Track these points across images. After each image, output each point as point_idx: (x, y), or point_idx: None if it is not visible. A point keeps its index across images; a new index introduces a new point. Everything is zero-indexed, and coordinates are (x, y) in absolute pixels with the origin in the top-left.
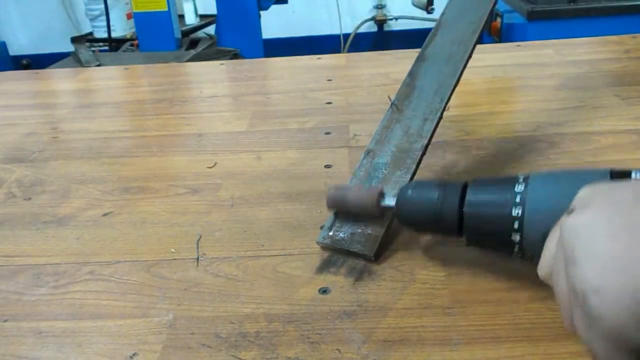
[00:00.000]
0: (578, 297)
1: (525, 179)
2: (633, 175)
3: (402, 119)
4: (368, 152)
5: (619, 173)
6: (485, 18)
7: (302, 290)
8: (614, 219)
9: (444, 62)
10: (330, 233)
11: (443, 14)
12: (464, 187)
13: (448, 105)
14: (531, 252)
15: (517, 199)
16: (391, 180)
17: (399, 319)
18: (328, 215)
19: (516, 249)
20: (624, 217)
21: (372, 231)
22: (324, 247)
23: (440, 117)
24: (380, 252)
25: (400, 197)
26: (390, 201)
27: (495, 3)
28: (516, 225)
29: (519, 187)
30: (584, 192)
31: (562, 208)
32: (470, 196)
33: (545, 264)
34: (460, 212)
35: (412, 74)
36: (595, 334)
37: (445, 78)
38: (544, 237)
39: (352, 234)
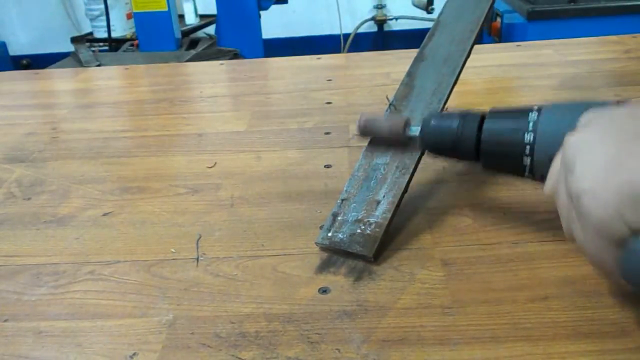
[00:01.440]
0: (574, 201)
1: (539, 109)
2: None
3: None
4: (367, 153)
5: (624, 103)
6: (483, 17)
7: (302, 290)
8: (608, 133)
9: (442, 62)
10: (330, 234)
11: (441, 13)
12: (482, 117)
13: (447, 105)
14: (540, 174)
15: (530, 126)
16: (390, 180)
17: (398, 318)
18: (327, 216)
19: (527, 171)
20: (616, 131)
21: (371, 232)
22: (323, 248)
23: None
24: (380, 252)
25: (424, 125)
26: (414, 129)
27: (493, 2)
28: (527, 150)
29: (532, 115)
30: (586, 115)
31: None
32: (487, 124)
33: (550, 181)
34: (477, 139)
35: (410, 74)
36: (587, 230)
37: (443, 78)
38: (552, 160)
39: (351, 234)
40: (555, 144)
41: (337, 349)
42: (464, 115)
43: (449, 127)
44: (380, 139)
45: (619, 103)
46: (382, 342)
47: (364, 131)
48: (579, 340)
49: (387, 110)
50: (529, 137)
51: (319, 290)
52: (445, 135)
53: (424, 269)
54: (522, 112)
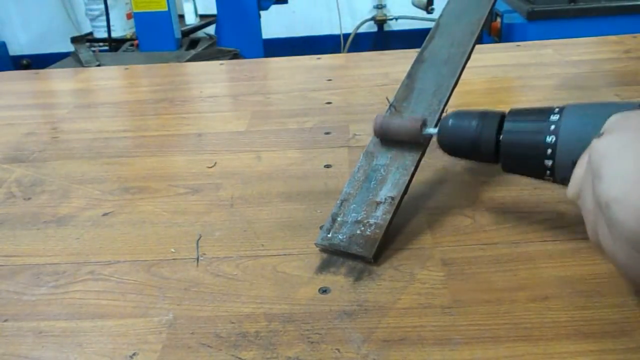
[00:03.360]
0: (602, 209)
1: (560, 110)
2: None
3: None
4: (367, 154)
5: None
6: (483, 20)
7: (302, 290)
8: (637, 138)
9: (442, 64)
10: (329, 235)
11: (441, 15)
12: (502, 117)
13: (447, 107)
14: (561, 177)
15: (551, 128)
16: (389, 182)
17: (398, 318)
18: (327, 216)
19: (547, 173)
20: None
21: (371, 233)
22: (323, 249)
23: (439, 119)
24: (380, 252)
25: (442, 126)
26: (432, 129)
27: (494, 4)
28: (549, 152)
29: (554, 117)
30: (612, 119)
31: (592, 136)
32: (507, 125)
33: (574, 185)
34: (497, 140)
35: (410, 76)
36: (618, 240)
37: (443, 79)
38: (574, 163)
39: (350, 235)
40: (578, 147)
41: (337, 349)
42: (483, 115)
43: (468, 127)
44: (395, 139)
45: None
46: (382, 342)
47: (380, 132)
48: (579, 340)
49: (387, 112)
50: (550, 139)
51: (319, 290)
52: (463, 136)
53: (424, 269)
54: (543, 113)
